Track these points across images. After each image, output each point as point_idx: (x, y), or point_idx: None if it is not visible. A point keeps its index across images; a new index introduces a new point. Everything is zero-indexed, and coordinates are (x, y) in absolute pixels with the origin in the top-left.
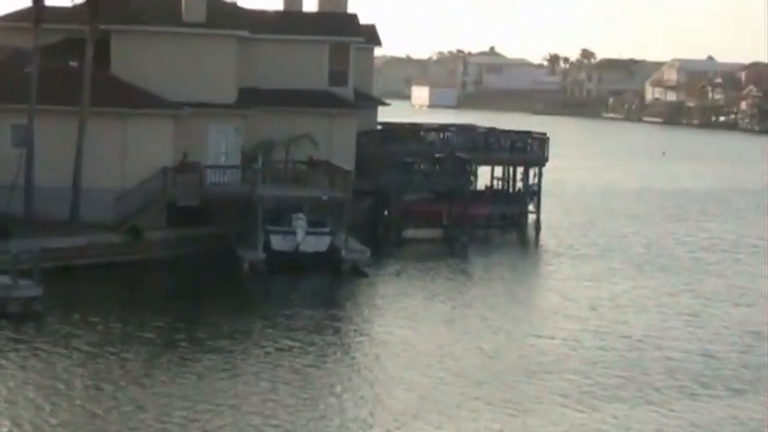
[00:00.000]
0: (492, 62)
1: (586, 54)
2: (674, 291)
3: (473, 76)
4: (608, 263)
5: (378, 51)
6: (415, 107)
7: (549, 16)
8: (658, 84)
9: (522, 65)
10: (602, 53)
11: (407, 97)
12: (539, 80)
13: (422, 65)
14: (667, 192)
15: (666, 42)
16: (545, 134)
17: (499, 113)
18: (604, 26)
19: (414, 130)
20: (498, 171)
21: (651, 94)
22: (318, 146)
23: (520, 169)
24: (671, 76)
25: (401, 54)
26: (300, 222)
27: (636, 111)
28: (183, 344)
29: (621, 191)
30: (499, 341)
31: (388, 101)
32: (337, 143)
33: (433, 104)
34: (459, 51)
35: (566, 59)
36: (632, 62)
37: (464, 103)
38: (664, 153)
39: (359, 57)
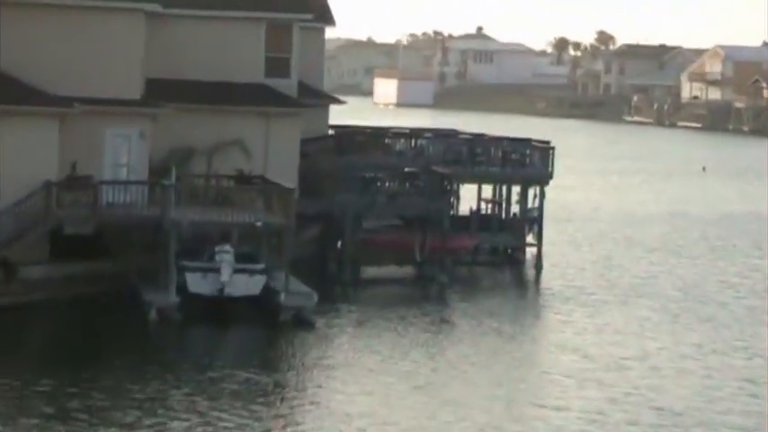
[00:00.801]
0: (480, 48)
1: (603, 38)
2: (721, 348)
3: (455, 66)
4: (633, 311)
5: (330, 33)
6: (378, 106)
7: None
8: (698, 78)
9: (520, 52)
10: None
11: (369, 93)
12: (541, 72)
13: (388, 51)
14: (709, 218)
15: (708, 25)
16: (549, 142)
17: (489, 115)
18: (627, 2)
19: (377, 136)
20: (487, 190)
21: (688, 90)
22: (251, 156)
23: (516, 188)
24: (714, 67)
25: (361, 36)
26: (226, 257)
27: (668, 113)
28: (79, 415)
29: (649, 217)
30: (495, 414)
31: (343, 97)
32: (276, 152)
33: (403, 102)
34: (437, 34)
35: (576, 45)
36: (663, 49)
37: (443, 100)
38: (704, 168)
39: (305, 39)
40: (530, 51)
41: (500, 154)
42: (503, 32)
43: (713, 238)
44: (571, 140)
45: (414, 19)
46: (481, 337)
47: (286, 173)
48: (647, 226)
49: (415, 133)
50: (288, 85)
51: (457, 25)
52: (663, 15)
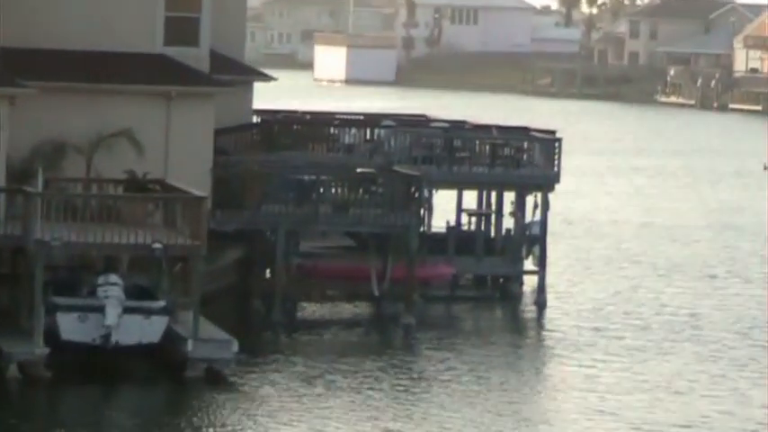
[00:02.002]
0: (459, 3)
1: None
2: None
3: (425, 29)
4: (676, 361)
5: None
6: (321, 83)
7: None
8: (757, 43)
9: (514, 8)
10: None
11: (308, 66)
12: (544, 36)
13: (334, 8)
14: None
15: None
16: (554, 132)
17: (472, 95)
18: None
19: (318, 124)
20: (471, 199)
21: (744, 61)
22: (144, 152)
23: (509, 196)
24: None
25: None
26: (113, 291)
27: (717, 91)
28: None
29: (690, 232)
30: None
31: (272, 72)
32: (180, 148)
33: (355, 78)
34: None
35: (592, 1)
36: (710, 5)
37: (409, 75)
38: (766, 167)
39: None
40: (528, 8)
41: (487, 149)
42: None
43: None
44: (584, 129)
45: None
46: (462, 401)
47: (194, 175)
48: (687, 245)
49: (372, 121)
50: (196, 56)
51: None
52: None
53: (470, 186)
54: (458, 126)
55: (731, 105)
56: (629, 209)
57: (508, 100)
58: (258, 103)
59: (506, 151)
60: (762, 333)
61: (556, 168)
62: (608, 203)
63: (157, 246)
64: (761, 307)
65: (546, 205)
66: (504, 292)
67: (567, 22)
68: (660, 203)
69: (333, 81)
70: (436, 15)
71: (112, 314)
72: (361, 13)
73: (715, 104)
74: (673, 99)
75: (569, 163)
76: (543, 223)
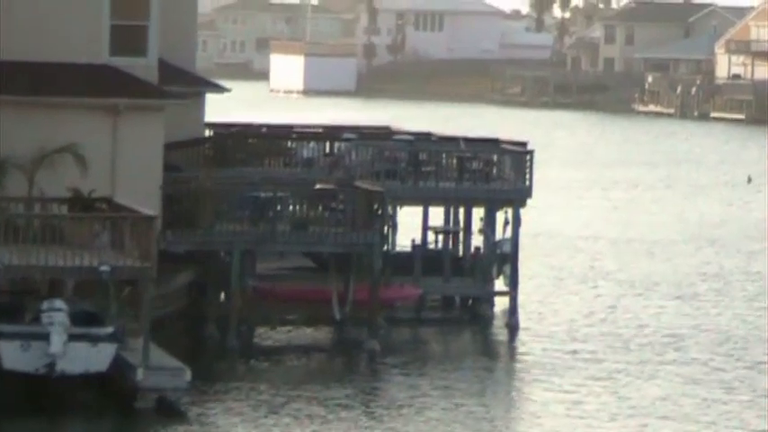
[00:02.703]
0: (424, 7)
1: None
2: None
3: (388, 35)
4: (661, 384)
5: None
6: (277, 94)
7: None
8: (740, 48)
9: (482, 13)
10: None
11: (263, 75)
12: (513, 41)
13: (290, 14)
14: (756, 249)
15: None
16: (525, 144)
17: (438, 105)
18: None
19: (275, 138)
20: (438, 216)
21: (726, 67)
22: (90, 169)
23: (478, 211)
24: (765, 33)
25: None
26: (57, 317)
27: (697, 99)
28: None
29: (670, 247)
30: None
31: (225, 83)
32: (128, 164)
33: (313, 88)
34: None
35: (564, 3)
36: (689, 7)
37: (371, 85)
38: (749, 179)
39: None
40: (496, 12)
41: (455, 162)
42: None
43: (765, 278)
44: (558, 140)
45: None
46: (437, 429)
47: (143, 193)
48: (666, 260)
49: (332, 133)
50: (144, 67)
51: None
52: None
53: (437, 202)
54: (423, 138)
55: (713, 114)
56: (604, 223)
57: (476, 110)
58: (211, 116)
59: (475, 165)
60: (749, 353)
61: (527, 182)
62: (582, 218)
63: (105, 268)
64: (746, 326)
65: (517, 221)
66: (473, 313)
67: (539, 27)
68: (637, 217)
69: (290, 92)
70: (399, 21)
71: (57, 342)
72: (319, 19)
73: (696, 113)
74: (651, 108)
75: (542, 176)
76: (514, 240)
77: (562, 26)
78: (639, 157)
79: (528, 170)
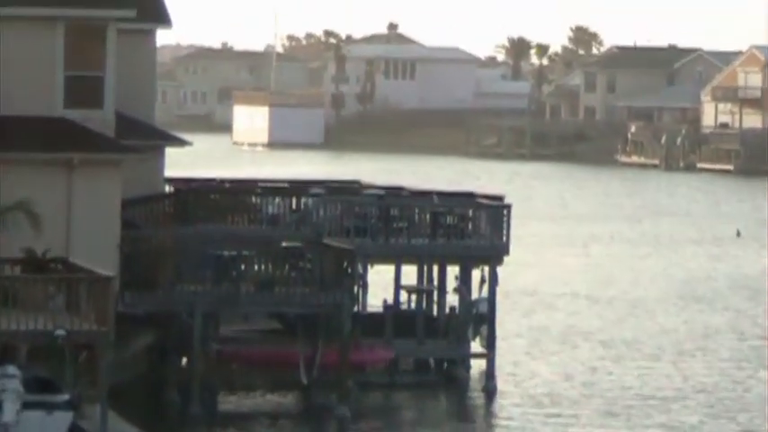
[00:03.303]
0: (394, 55)
1: (582, 38)
2: None
3: (357, 84)
4: None
5: (166, 37)
6: (241, 147)
7: None
8: (727, 95)
9: (456, 60)
10: (612, 36)
11: (226, 128)
12: (489, 90)
13: (254, 63)
14: (745, 307)
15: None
16: (502, 198)
17: (410, 158)
18: None
19: (238, 193)
20: (411, 274)
21: (713, 116)
22: (44, 227)
23: (453, 269)
24: (752, 79)
25: (213, 42)
26: (10, 384)
27: (683, 149)
28: None
29: (653, 306)
30: None
31: (186, 136)
32: (83, 222)
33: (279, 141)
34: (330, 35)
35: (541, 49)
36: (674, 53)
37: (340, 137)
38: (738, 233)
39: (127, 48)
40: (471, 59)
41: (428, 218)
42: (428, 32)
43: (754, 337)
44: (536, 194)
45: (293, 15)
46: None
47: (100, 252)
48: (650, 319)
49: (298, 188)
50: (101, 119)
51: (359, 22)
52: (670, 4)
53: (409, 260)
54: (395, 193)
55: (699, 165)
56: (585, 281)
57: (450, 163)
58: (171, 171)
59: (449, 220)
60: (740, 416)
61: (505, 238)
62: (562, 275)
63: (60, 332)
64: (736, 388)
65: (494, 280)
66: (449, 377)
67: (515, 74)
68: (619, 274)
69: (254, 144)
70: (368, 69)
71: (10, 410)
72: (284, 68)
73: (681, 164)
74: (634, 159)
75: (520, 231)
76: (491, 300)
77: (540, 73)
78: (622, 211)
79: (505, 225)
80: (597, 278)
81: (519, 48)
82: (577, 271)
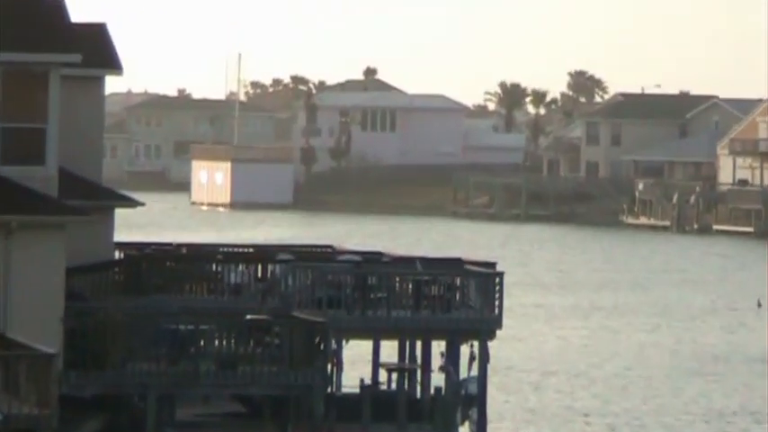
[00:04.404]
0: (373, 103)
1: (583, 85)
2: None
3: (330, 136)
4: None
5: (115, 84)
6: (200, 207)
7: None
8: (746, 149)
9: (441, 110)
10: (617, 82)
11: (182, 186)
12: (479, 143)
13: (215, 113)
14: (764, 385)
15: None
16: (494, 265)
17: (391, 219)
18: (625, 25)
19: (197, 260)
20: (391, 351)
21: (731, 171)
22: None
23: (439, 345)
24: None
25: (168, 89)
26: None
27: (697, 210)
28: None
29: (659, 383)
30: None
31: (139, 195)
32: (23, 292)
33: (242, 201)
34: (299, 81)
35: (538, 97)
36: (686, 100)
37: (311, 196)
38: (759, 303)
39: (72, 97)
40: (458, 109)
41: (411, 287)
42: (410, 78)
43: None
44: (532, 259)
45: (258, 58)
46: None
47: (41, 327)
48: (656, 398)
49: (264, 254)
50: (42, 177)
51: (334, 66)
52: (684, 47)
53: (390, 335)
54: (373, 259)
55: (715, 227)
56: (584, 356)
57: (436, 225)
58: (121, 235)
59: (434, 290)
60: None
61: (497, 310)
62: (559, 350)
63: None
64: None
65: (485, 357)
66: None
67: (508, 125)
68: (623, 349)
69: (215, 205)
70: (343, 119)
71: None
72: (249, 118)
73: (695, 226)
74: (643, 220)
75: (513, 302)
76: (482, 379)
77: (536, 124)
78: (627, 278)
79: (497, 296)
80: (598, 353)
81: (512, 95)
82: (576, 345)
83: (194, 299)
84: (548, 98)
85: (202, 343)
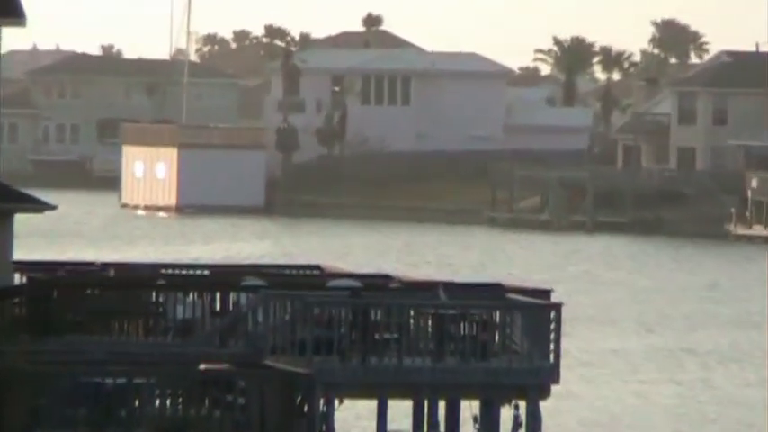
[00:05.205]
0: (376, 66)
1: (675, 39)
2: None
3: (318, 112)
4: None
5: (15, 39)
6: (133, 211)
7: None
8: None
9: (475, 75)
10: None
11: (110, 182)
12: (527, 121)
13: (154, 77)
14: None
15: None
16: (548, 293)
17: (402, 228)
18: None
19: (129, 287)
20: (403, 412)
21: None
22: None
23: (469, 407)
24: None
25: (89, 47)
26: None
27: None
28: None
29: None
30: None
31: (46, 195)
32: None
33: (194, 203)
34: (275, 32)
35: (611, 56)
36: None
37: (291, 196)
38: None
39: None
40: (498, 72)
41: (431, 324)
42: (429, 30)
43: None
44: (600, 286)
45: (217, 2)
46: None
47: None
48: None
49: (225, 278)
50: None
51: (322, 15)
52: None
53: (401, 392)
54: (378, 285)
55: None
56: (672, 421)
57: (466, 236)
58: (23, 251)
59: (464, 328)
60: None
61: (552, 357)
62: (638, 413)
63: None
64: None
65: (536, 423)
66: None
67: (569, 97)
68: (723, 410)
69: (155, 208)
70: (337, 89)
71: None
72: (203, 87)
73: None
74: (757, 230)
75: (575, 345)
76: None
77: (607, 96)
78: (735, 313)
79: (553, 336)
80: (691, 418)
81: (574, 54)
82: (662, 407)
83: (126, 341)
84: (624, 59)
85: (137, 403)
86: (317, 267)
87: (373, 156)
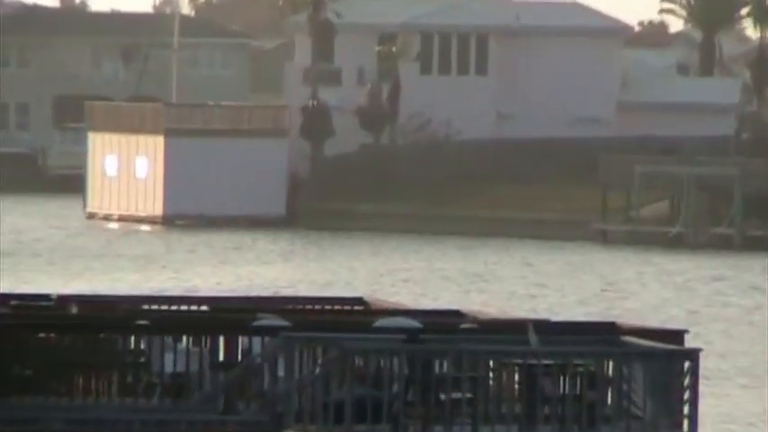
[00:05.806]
0: (439, 20)
1: None
2: None
3: (359, 83)
4: None
5: None
6: (103, 223)
7: None
8: None
9: (578, 32)
10: None
11: (70, 183)
12: (650, 97)
13: (132, 38)
14: None
15: None
16: (681, 335)
17: (476, 246)
18: None
19: (100, 327)
20: None
21: None
22: None
23: None
24: None
25: None
26: None
27: None
28: None
29: None
30: None
31: None
32: None
33: (184, 213)
34: None
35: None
36: None
37: (321, 203)
38: None
39: None
40: (610, 29)
41: (518, 378)
42: None
43: None
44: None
45: None
46: None
47: None
48: None
49: (231, 317)
50: None
51: None
52: None
53: None
54: (443, 326)
55: None
56: None
57: (565, 256)
58: None
59: (564, 385)
60: None
61: (686, 425)
62: None
63: None
64: None
65: None
66: None
67: (707, 63)
68: None
69: (133, 219)
70: (384, 52)
71: None
72: (200, 51)
73: None
74: None
75: (718, 407)
76: None
77: (761, 61)
78: None
79: (687, 396)
80: None
81: (714, 4)
82: None
83: (95, 405)
84: None
85: None
86: (360, 301)
87: (437, 146)
